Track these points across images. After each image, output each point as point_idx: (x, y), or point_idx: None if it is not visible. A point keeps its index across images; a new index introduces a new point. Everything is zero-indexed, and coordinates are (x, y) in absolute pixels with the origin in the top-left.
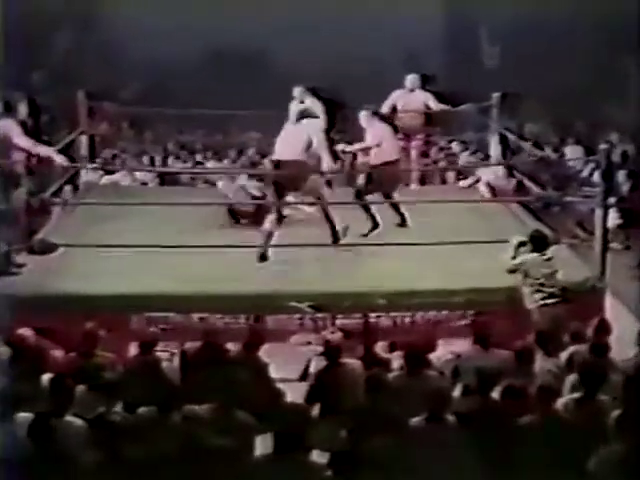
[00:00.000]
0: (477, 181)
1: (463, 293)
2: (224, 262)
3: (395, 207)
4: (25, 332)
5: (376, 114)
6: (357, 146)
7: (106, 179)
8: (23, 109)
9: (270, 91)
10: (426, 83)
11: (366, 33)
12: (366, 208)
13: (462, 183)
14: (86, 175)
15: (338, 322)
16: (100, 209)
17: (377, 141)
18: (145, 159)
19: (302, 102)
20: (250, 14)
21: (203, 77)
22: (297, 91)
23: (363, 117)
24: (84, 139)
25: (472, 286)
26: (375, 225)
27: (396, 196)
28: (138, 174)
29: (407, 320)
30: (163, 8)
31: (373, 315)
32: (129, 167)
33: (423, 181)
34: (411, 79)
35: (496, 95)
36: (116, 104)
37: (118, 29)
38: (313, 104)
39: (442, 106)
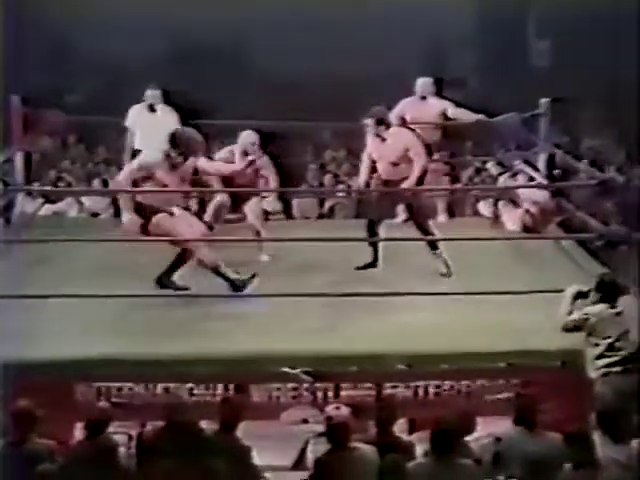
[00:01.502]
0: (513, 203)
1: (504, 356)
2: (193, 313)
3: (431, 245)
4: None
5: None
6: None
7: (47, 209)
8: None
9: (252, 97)
10: (442, 88)
11: (376, 25)
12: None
13: (481, 207)
14: (22, 204)
15: (343, 394)
16: (38, 248)
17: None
18: (96, 182)
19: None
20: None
21: (169, 79)
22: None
23: (371, 126)
24: (19, 158)
25: (516, 348)
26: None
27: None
28: (87, 202)
29: (433, 391)
30: None
31: (389, 385)
32: (76, 192)
33: (452, 212)
34: (422, 84)
35: (545, 101)
36: (61, 112)
37: (63, 18)
38: None
39: (466, 114)
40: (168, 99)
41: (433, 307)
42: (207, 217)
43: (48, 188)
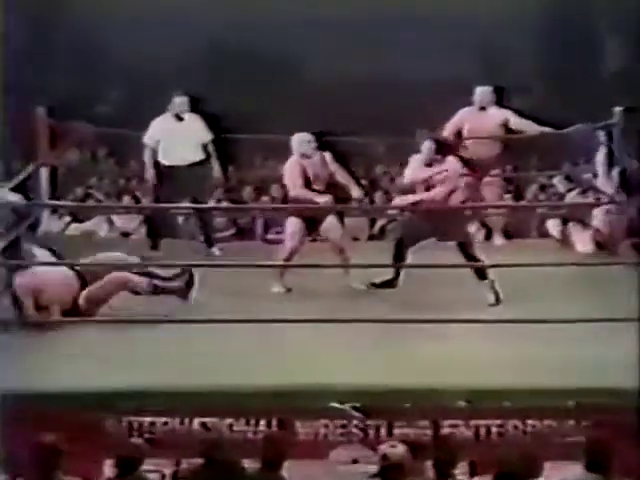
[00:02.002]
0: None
1: (574, 394)
2: (233, 344)
3: (478, 273)
4: None
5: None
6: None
7: (75, 228)
8: None
9: (296, 107)
10: (504, 97)
11: (432, 28)
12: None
13: (550, 226)
14: (47, 223)
15: (397, 432)
16: None
17: (452, 185)
18: (127, 199)
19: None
20: (270, 3)
21: (207, 86)
22: None
23: (428, 147)
24: (44, 172)
25: (586, 385)
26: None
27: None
28: (118, 221)
29: (496, 431)
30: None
31: (447, 423)
32: (105, 209)
33: (510, 233)
34: (481, 93)
35: (619, 110)
36: (89, 124)
37: (91, 22)
38: None
39: (530, 125)
40: (196, 107)
41: (493, 337)
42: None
43: (74, 204)
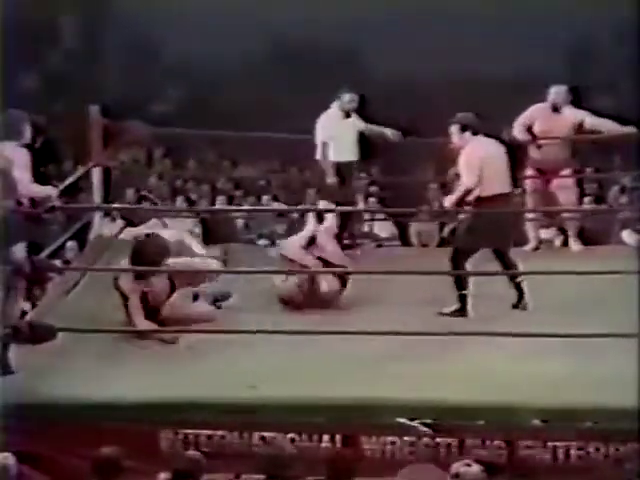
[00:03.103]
0: None
1: None
2: (293, 355)
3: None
4: (3, 459)
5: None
6: (457, 194)
7: (128, 232)
8: (27, 131)
9: (366, 106)
10: (580, 98)
11: (511, 21)
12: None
13: (626, 235)
14: (100, 226)
15: (468, 450)
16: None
17: (477, 176)
18: (180, 201)
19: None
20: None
21: (269, 86)
22: None
23: (455, 133)
24: (97, 174)
25: None
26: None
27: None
28: (170, 224)
29: (575, 454)
30: None
31: (523, 444)
32: (160, 211)
33: (587, 239)
34: (555, 93)
35: None
36: (145, 123)
37: (147, 19)
38: None
39: (608, 124)
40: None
41: (569, 353)
42: None
43: (124, 206)
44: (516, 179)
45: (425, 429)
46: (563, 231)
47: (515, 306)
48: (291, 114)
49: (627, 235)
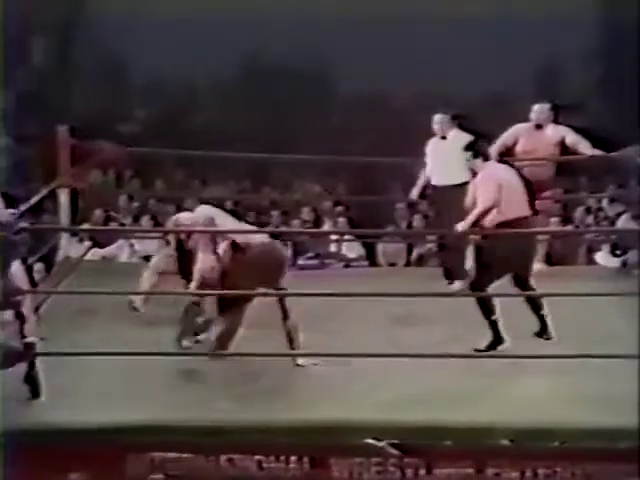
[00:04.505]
0: None
1: (632, 435)
2: (265, 373)
3: (532, 303)
4: None
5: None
6: (473, 216)
7: (94, 253)
8: None
9: (337, 125)
10: (559, 116)
11: (479, 40)
12: (484, 307)
13: (600, 257)
14: (67, 247)
15: (437, 471)
16: (82, 298)
17: (495, 197)
18: (145, 220)
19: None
20: (308, 14)
21: (239, 104)
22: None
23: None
24: (64, 194)
25: None
26: (496, 340)
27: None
28: (137, 245)
29: (543, 473)
30: (180, 8)
31: (491, 463)
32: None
33: (552, 259)
34: (538, 111)
35: None
36: (114, 143)
37: (116, 38)
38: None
39: (583, 144)
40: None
41: (543, 372)
42: None
43: (91, 227)
44: (534, 202)
45: (393, 450)
46: None
47: (539, 335)
48: (259, 133)
49: (602, 257)
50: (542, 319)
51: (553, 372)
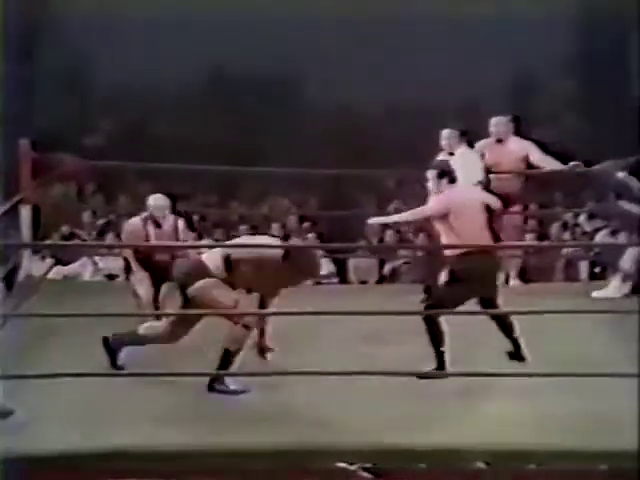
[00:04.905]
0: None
1: (606, 458)
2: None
3: (500, 322)
4: None
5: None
6: (410, 213)
7: (57, 271)
8: None
9: (309, 137)
10: (520, 128)
11: (453, 51)
12: (433, 336)
13: (596, 294)
14: (29, 265)
15: None
16: (44, 320)
17: (444, 207)
18: (110, 237)
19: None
20: (279, 23)
21: (207, 115)
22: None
23: (432, 179)
24: (25, 210)
25: (619, 447)
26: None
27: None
28: (101, 262)
29: None
30: (148, 14)
31: None
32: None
33: (526, 276)
34: (496, 124)
35: None
36: (78, 157)
37: (79, 51)
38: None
39: (552, 162)
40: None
41: (517, 393)
42: None
43: (53, 242)
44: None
45: (365, 474)
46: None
47: (512, 357)
48: (227, 145)
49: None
50: (515, 341)
51: (525, 392)
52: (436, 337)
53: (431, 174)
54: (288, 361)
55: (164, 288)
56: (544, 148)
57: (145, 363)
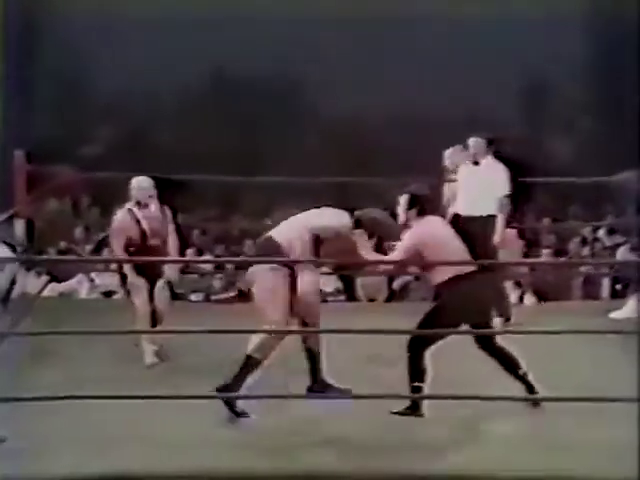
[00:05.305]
0: None
1: None
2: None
3: (506, 364)
4: None
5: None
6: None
7: (52, 288)
8: None
9: (312, 145)
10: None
11: (456, 56)
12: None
13: (615, 314)
14: (23, 282)
15: None
16: (40, 339)
17: (413, 247)
18: (107, 252)
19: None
20: (280, 29)
21: (207, 120)
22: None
23: (402, 205)
24: (19, 225)
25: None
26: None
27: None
28: (98, 279)
29: None
30: (147, 18)
31: None
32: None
33: (543, 294)
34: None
35: None
36: (73, 168)
37: (75, 59)
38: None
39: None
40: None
41: (509, 416)
42: None
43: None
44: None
45: None
46: (519, 285)
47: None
48: (229, 154)
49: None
50: (522, 379)
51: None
52: (416, 372)
53: (403, 199)
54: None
55: (159, 284)
56: (519, 169)
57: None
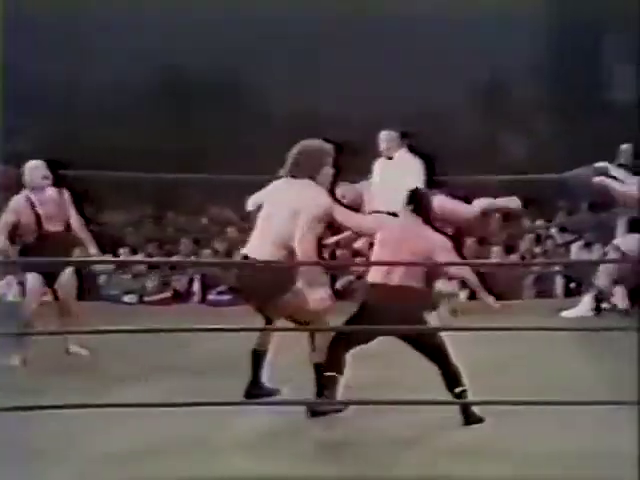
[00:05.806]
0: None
1: None
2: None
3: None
4: None
5: None
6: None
7: None
8: None
9: (252, 143)
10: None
11: (413, 53)
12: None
13: (566, 313)
14: None
15: None
16: None
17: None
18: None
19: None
20: (229, 29)
21: (147, 118)
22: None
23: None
24: None
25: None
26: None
27: None
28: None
29: None
30: (91, 14)
31: None
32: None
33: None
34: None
35: (627, 147)
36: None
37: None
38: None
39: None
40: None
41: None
42: None
43: None
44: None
45: None
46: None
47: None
48: (169, 152)
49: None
50: (459, 397)
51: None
52: (331, 364)
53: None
54: None
55: (65, 275)
56: (430, 162)
57: None
